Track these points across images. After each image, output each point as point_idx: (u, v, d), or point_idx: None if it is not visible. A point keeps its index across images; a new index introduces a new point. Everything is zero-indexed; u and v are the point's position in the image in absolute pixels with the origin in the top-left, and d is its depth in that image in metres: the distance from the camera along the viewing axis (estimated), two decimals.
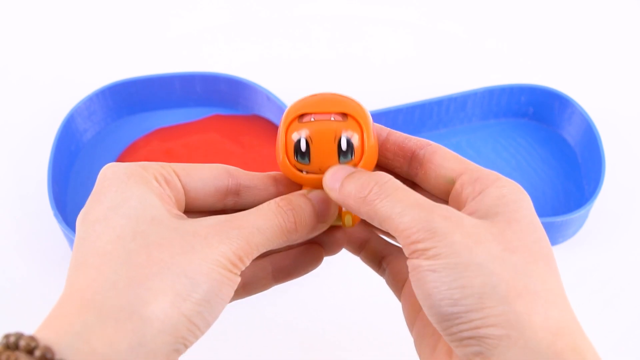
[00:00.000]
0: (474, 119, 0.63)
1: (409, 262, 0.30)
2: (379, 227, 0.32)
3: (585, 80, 0.68)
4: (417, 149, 0.35)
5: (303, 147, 0.33)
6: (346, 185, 0.32)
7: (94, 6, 0.74)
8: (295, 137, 0.33)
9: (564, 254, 0.56)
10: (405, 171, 0.36)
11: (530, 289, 0.29)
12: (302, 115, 0.33)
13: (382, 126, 0.36)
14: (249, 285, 0.35)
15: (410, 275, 0.30)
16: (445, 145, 0.61)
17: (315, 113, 0.33)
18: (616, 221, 0.58)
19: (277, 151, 0.34)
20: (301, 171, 0.33)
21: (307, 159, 0.33)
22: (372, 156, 0.34)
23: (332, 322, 0.53)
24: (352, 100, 0.33)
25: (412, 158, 0.35)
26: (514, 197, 0.32)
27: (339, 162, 0.33)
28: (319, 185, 0.34)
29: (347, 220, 0.35)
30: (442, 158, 0.34)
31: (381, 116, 0.59)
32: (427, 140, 0.35)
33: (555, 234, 0.55)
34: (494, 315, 0.28)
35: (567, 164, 0.60)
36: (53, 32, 0.72)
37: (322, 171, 0.33)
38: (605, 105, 0.65)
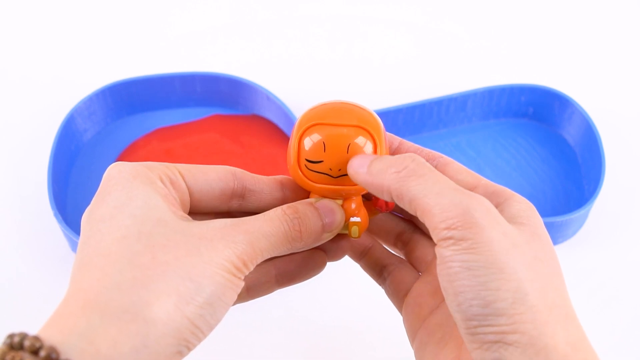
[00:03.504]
0: (474, 119, 0.63)
1: (439, 250, 0.29)
2: (406, 208, 0.31)
3: (585, 80, 0.68)
4: (428, 159, 0.35)
5: (318, 144, 0.33)
6: (375, 164, 0.32)
7: (93, 6, 0.74)
8: (309, 135, 0.33)
9: (564, 254, 0.56)
10: None
11: (556, 302, 0.29)
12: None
13: (394, 135, 0.36)
14: (252, 289, 0.35)
15: (438, 267, 0.29)
16: (445, 145, 0.62)
17: (329, 125, 0.33)
18: (616, 221, 0.58)
19: (288, 157, 0.34)
20: (312, 171, 0.33)
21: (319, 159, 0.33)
22: None
23: (335, 325, 0.53)
24: (366, 112, 0.33)
25: None
26: (531, 213, 0.32)
27: None
28: (327, 194, 0.34)
29: (354, 231, 0.35)
30: (455, 171, 0.34)
31: (381, 116, 0.58)
32: (439, 153, 0.35)
33: (555, 234, 0.55)
34: (522, 322, 0.28)
35: (567, 164, 0.60)
36: (53, 32, 0.72)
37: (332, 171, 0.33)
38: (605, 105, 0.65)
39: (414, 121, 0.61)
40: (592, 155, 0.58)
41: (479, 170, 0.60)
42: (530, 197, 0.58)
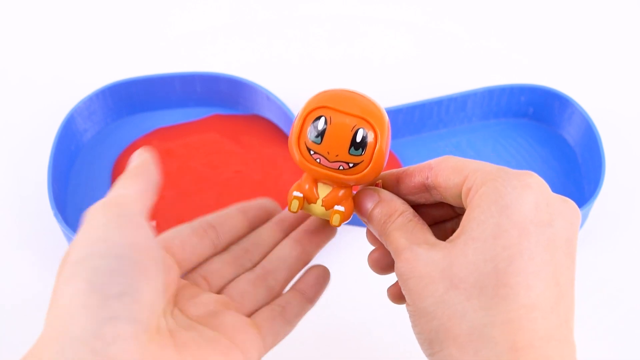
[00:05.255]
0: (474, 119, 0.63)
1: None
2: None
3: (585, 80, 0.68)
4: (424, 180, 0.35)
5: (321, 125, 0.33)
6: (375, 210, 0.35)
7: (93, 6, 0.74)
8: (316, 115, 0.33)
9: None
10: (433, 200, 0.35)
11: (464, 329, 0.29)
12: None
13: (392, 171, 0.36)
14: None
15: None
16: (445, 145, 0.62)
17: (335, 110, 0.33)
18: (616, 221, 0.58)
19: (290, 135, 0.34)
20: (309, 151, 0.34)
21: (320, 139, 0.33)
22: (380, 162, 0.34)
23: (336, 322, 0.53)
24: (372, 104, 0.34)
25: (428, 190, 0.35)
26: (486, 201, 0.30)
27: (349, 153, 0.33)
28: (319, 176, 0.35)
29: (335, 218, 0.36)
30: (445, 179, 0.33)
31: None
32: (427, 164, 0.35)
33: None
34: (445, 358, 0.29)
35: (567, 164, 0.60)
36: (53, 32, 0.72)
37: (329, 156, 0.33)
38: (605, 105, 0.65)
39: (414, 121, 0.61)
40: (592, 155, 0.58)
41: None
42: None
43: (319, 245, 0.39)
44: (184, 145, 0.61)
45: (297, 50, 0.70)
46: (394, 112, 0.59)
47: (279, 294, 0.37)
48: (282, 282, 0.37)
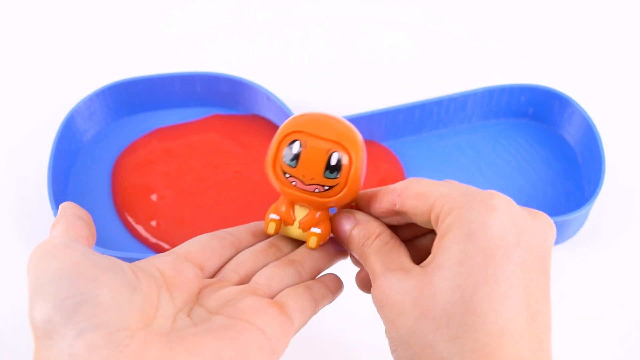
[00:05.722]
0: (474, 119, 0.63)
1: None
2: None
3: (585, 80, 0.68)
4: (391, 206, 0.34)
5: (296, 149, 0.33)
6: (353, 232, 0.35)
7: (93, 6, 0.74)
8: (291, 139, 0.34)
9: (564, 254, 0.56)
10: (405, 222, 0.35)
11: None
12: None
13: (366, 192, 0.36)
14: None
15: None
16: (445, 145, 0.62)
17: (311, 135, 0.33)
18: (616, 221, 0.58)
19: (267, 157, 0.35)
20: (285, 174, 0.34)
21: (295, 162, 0.34)
22: (356, 184, 0.34)
23: (337, 325, 0.53)
24: (347, 128, 0.34)
25: (398, 214, 0.35)
26: (453, 229, 0.30)
27: (324, 176, 0.34)
28: (294, 199, 0.35)
29: (312, 241, 0.36)
30: (412, 207, 0.33)
31: (381, 116, 0.59)
32: (393, 189, 0.35)
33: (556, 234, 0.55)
34: None
35: (567, 164, 0.60)
36: (53, 32, 0.72)
37: (304, 178, 0.34)
38: (605, 105, 0.65)
39: (414, 121, 0.61)
40: (592, 155, 0.58)
41: (479, 171, 0.60)
42: (530, 197, 0.58)
43: (339, 252, 0.40)
44: (184, 145, 0.61)
45: (297, 50, 0.70)
46: (394, 112, 0.59)
47: (305, 280, 0.37)
48: (309, 271, 0.37)
